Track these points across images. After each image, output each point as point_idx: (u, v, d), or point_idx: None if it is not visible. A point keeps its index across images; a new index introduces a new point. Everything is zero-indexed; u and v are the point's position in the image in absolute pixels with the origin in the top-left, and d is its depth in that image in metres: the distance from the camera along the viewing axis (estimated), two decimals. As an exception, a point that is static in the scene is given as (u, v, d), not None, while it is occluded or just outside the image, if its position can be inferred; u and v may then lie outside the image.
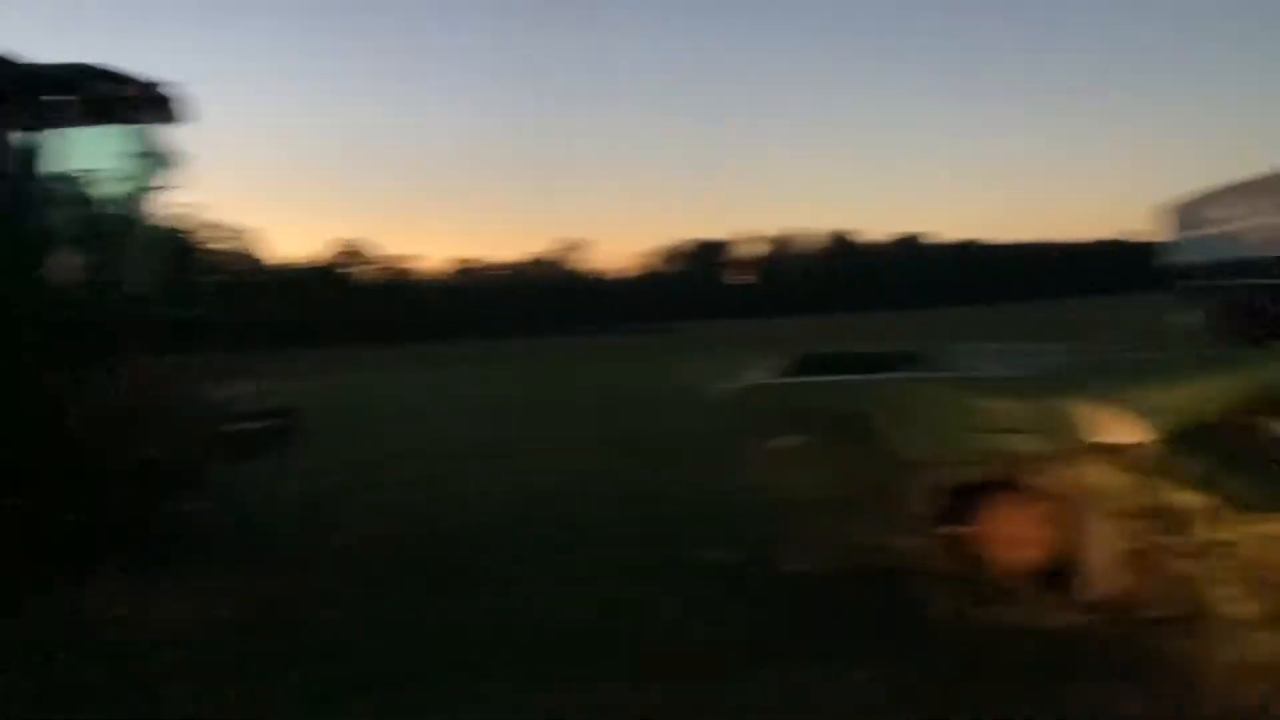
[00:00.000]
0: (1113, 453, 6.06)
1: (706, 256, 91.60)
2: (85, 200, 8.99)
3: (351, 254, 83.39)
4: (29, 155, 8.74)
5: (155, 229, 9.34)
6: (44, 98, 8.80)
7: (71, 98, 8.62)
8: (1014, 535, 6.43)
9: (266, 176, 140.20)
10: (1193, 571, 6.76)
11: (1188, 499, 8.68)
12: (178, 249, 9.96)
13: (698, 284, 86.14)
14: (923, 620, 6.17)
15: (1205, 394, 6.05)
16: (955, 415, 6.32)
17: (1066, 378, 6.35)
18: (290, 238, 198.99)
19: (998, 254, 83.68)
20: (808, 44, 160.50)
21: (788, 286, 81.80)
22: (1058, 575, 6.56)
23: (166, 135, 9.15)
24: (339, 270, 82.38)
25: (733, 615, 6.53)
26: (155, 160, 9.12)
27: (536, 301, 78.24)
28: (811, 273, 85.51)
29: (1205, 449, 10.33)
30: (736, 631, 6.26)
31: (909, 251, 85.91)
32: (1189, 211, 14.29)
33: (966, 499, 6.51)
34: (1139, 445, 5.89)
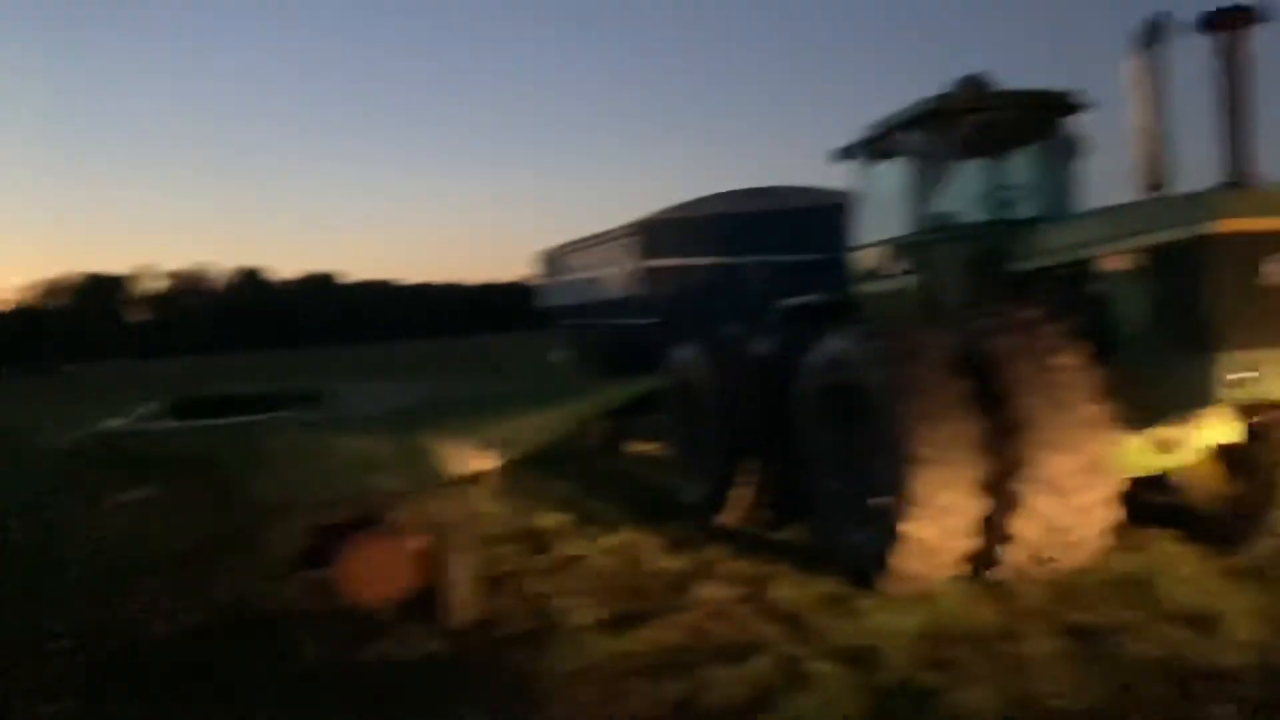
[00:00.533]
0: (467, 483, 6.34)
1: (100, 291, 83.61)
2: None
3: None
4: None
5: None
6: None
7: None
8: (380, 571, 6.50)
9: None
10: (547, 587, 7.32)
11: (545, 520, 9.49)
12: None
13: (89, 320, 78.11)
14: (291, 665, 6.01)
15: (548, 422, 6.57)
16: (314, 456, 6.25)
17: (422, 414, 6.55)
18: None
19: (406, 293, 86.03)
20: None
21: (193, 324, 77.10)
22: (427, 604, 6.74)
23: None
24: None
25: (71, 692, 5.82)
26: None
27: None
28: (219, 310, 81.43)
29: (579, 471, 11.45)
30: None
31: (320, 290, 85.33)
32: (555, 258, 15.78)
33: (331, 539, 6.46)
34: (491, 473, 6.23)
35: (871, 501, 6.80)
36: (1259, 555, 6.85)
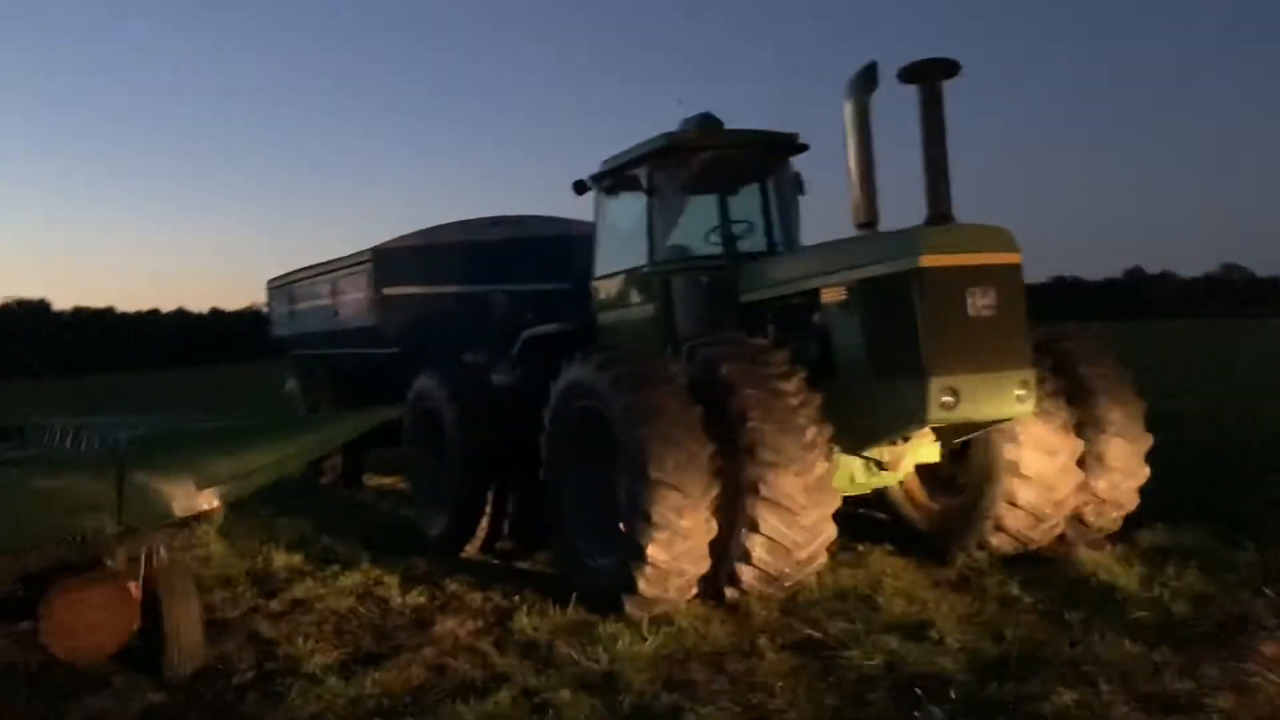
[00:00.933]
0: (190, 523, 5.94)
1: None
2: None
3: None
4: None
5: None
6: None
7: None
8: (92, 620, 5.98)
9: None
10: (279, 631, 6.97)
11: (276, 560, 9.05)
12: None
13: None
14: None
15: (280, 456, 6.24)
16: (10, 496, 5.68)
17: (140, 448, 6.08)
18: None
19: (129, 321, 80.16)
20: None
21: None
22: (147, 655, 6.26)
23: None
24: None
25: None
26: None
27: None
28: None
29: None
30: None
31: (31, 316, 78.19)
32: (286, 286, 15.17)
33: (36, 587, 5.90)
34: (216, 512, 5.85)
35: (614, 527, 6.90)
36: (964, 566, 7.41)
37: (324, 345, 14.05)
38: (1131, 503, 7.74)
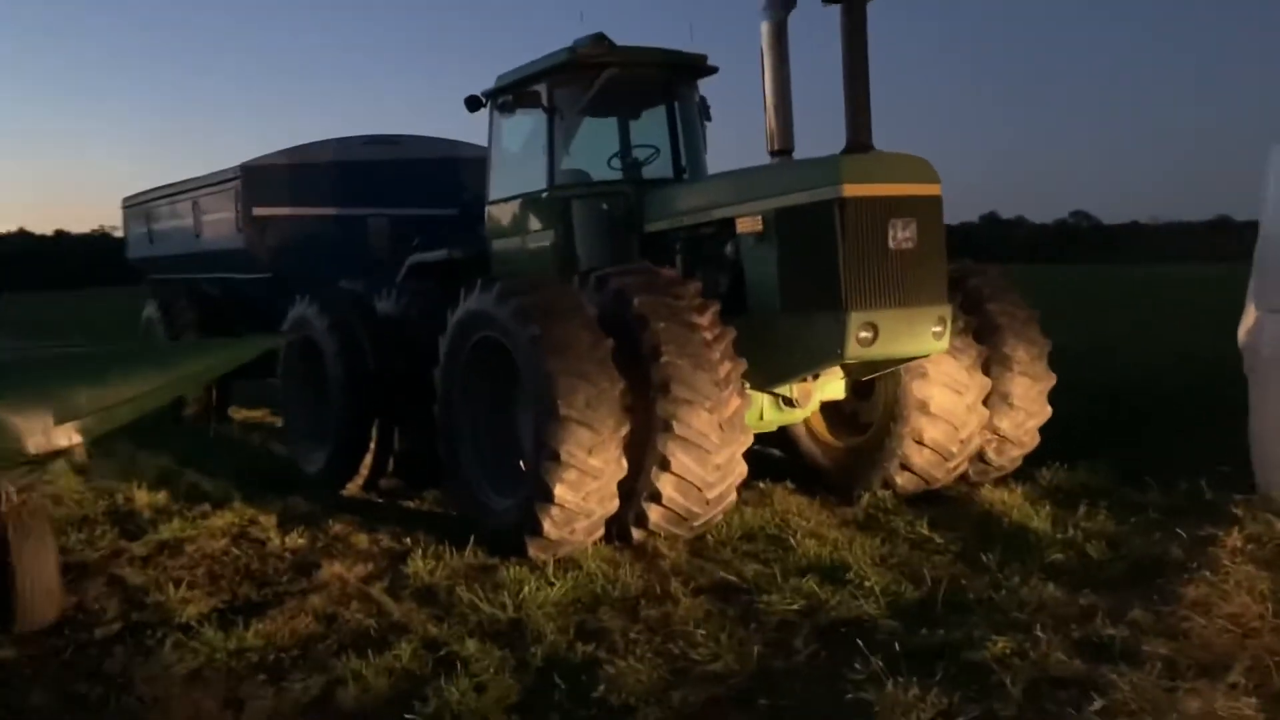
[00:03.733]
0: (42, 461, 5.31)
1: None
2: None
3: None
4: None
5: None
6: None
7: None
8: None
9: None
10: (146, 576, 6.40)
11: (139, 498, 8.37)
12: None
13: None
14: None
15: (147, 389, 5.62)
16: None
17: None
18: None
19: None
20: None
21: None
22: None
23: None
24: None
25: None
26: None
27: None
28: None
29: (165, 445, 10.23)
30: None
31: None
32: (144, 206, 14.14)
33: None
34: (71, 449, 5.24)
35: (519, 466, 6.52)
36: (870, 505, 7.28)
37: (186, 269, 13.15)
38: (1033, 442, 7.72)
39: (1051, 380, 7.69)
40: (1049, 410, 7.70)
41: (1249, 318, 7.04)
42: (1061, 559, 5.90)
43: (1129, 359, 13.87)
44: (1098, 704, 3.91)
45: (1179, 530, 6.07)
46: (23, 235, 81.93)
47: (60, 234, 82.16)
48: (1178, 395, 10.84)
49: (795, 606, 5.36)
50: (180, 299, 12.89)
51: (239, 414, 13.07)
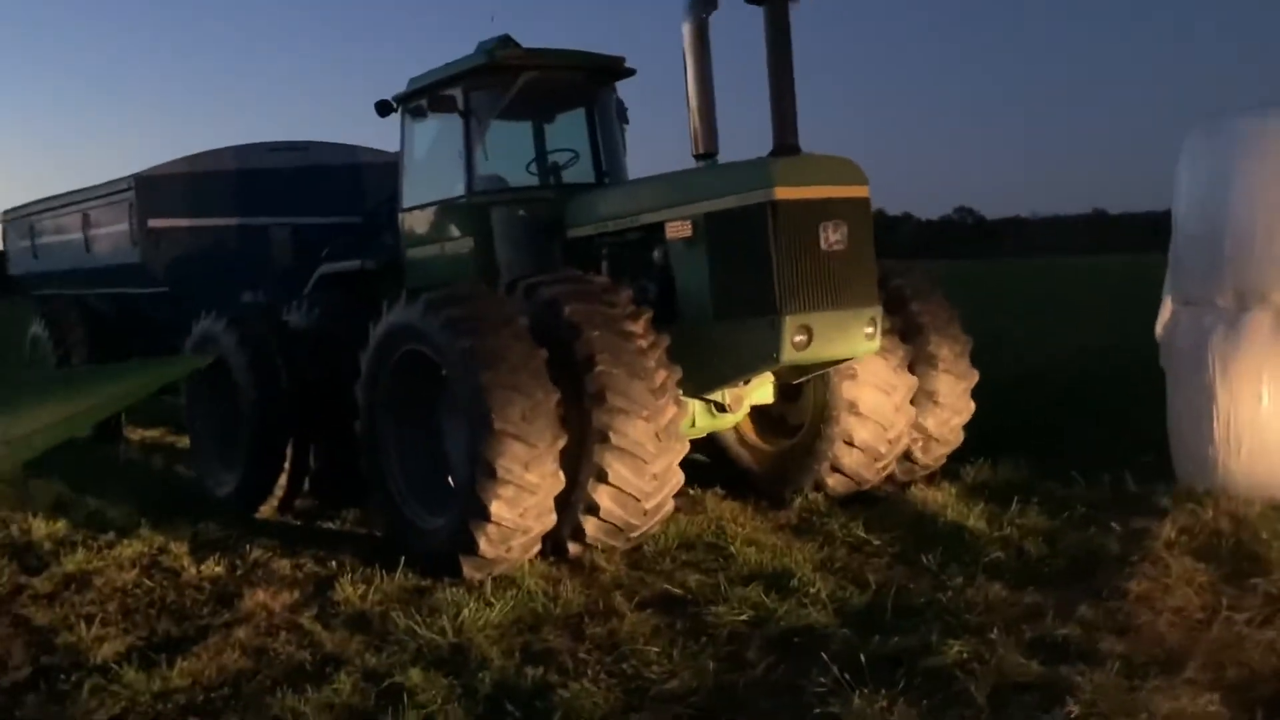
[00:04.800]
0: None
1: None
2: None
3: None
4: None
5: None
6: None
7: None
8: None
9: None
10: (52, 615, 6.00)
11: (37, 529, 7.88)
12: None
13: None
14: None
15: (54, 419, 5.27)
16: None
17: None
18: None
19: None
20: None
21: None
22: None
23: None
24: None
25: None
26: None
27: None
28: None
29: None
30: None
31: None
32: (26, 218, 13.42)
33: None
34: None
35: (448, 484, 6.32)
36: (803, 508, 7.25)
37: (75, 285, 12.53)
38: (958, 439, 7.79)
39: (975, 377, 7.78)
40: (972, 407, 7.78)
41: (1165, 311, 7.21)
42: (1001, 557, 5.94)
43: (1030, 352, 14.18)
44: (1069, 707, 3.90)
45: (1113, 524, 6.16)
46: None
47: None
48: (1084, 387, 11.10)
49: (744, 617, 5.28)
50: (69, 316, 12.28)
51: (136, 434, 12.49)
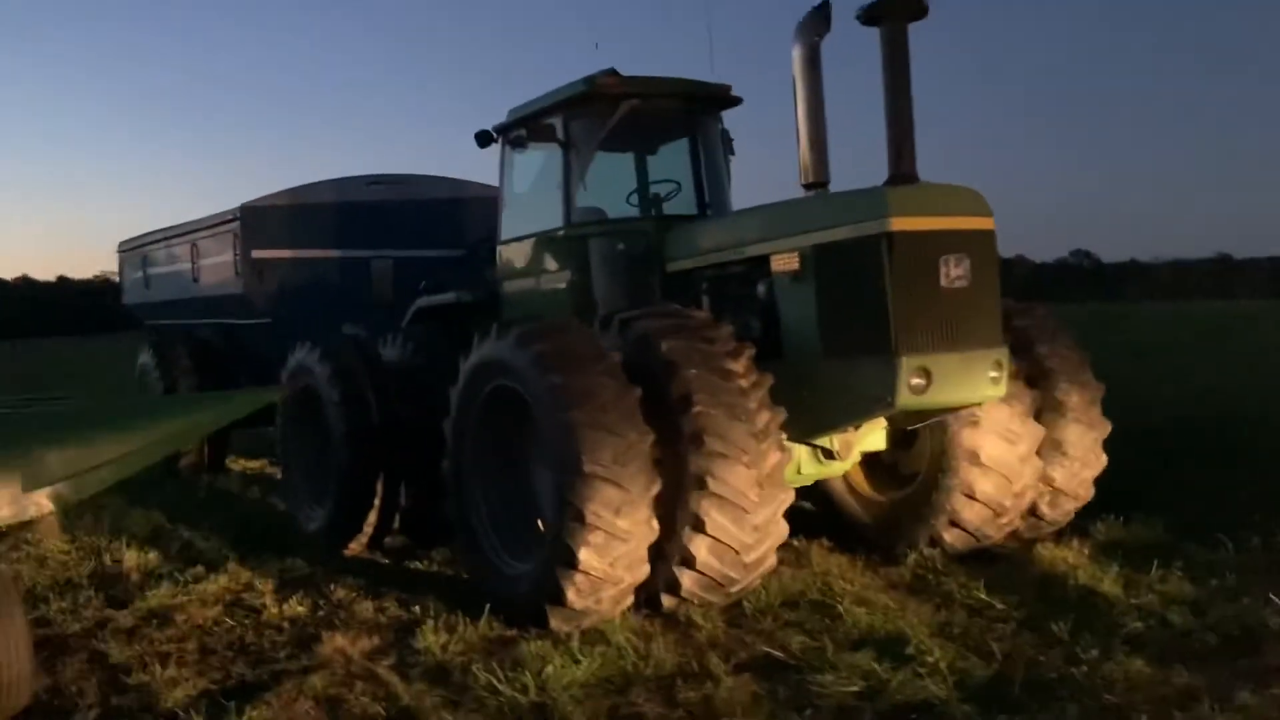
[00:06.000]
0: (8, 533, 4.79)
1: None
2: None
3: None
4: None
5: None
6: None
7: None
8: None
9: None
10: (130, 651, 5.83)
11: (126, 561, 7.79)
12: None
13: None
14: None
15: (135, 447, 5.10)
16: None
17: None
18: None
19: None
20: None
21: None
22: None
23: None
24: None
25: None
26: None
27: None
28: None
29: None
30: None
31: None
32: (140, 249, 13.70)
33: None
34: (41, 519, 4.71)
35: (537, 528, 5.98)
36: (917, 565, 6.72)
37: (183, 315, 12.68)
38: (1088, 494, 7.17)
39: (1107, 428, 7.16)
40: (1104, 459, 7.16)
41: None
42: (1141, 629, 5.32)
43: (1159, 400, 13.31)
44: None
45: (1271, 596, 5.49)
46: (26, 282, 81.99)
47: (62, 280, 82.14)
48: (1217, 438, 10.26)
49: (853, 688, 4.79)
50: (176, 346, 12.40)
51: (237, 464, 12.53)
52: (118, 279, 15.44)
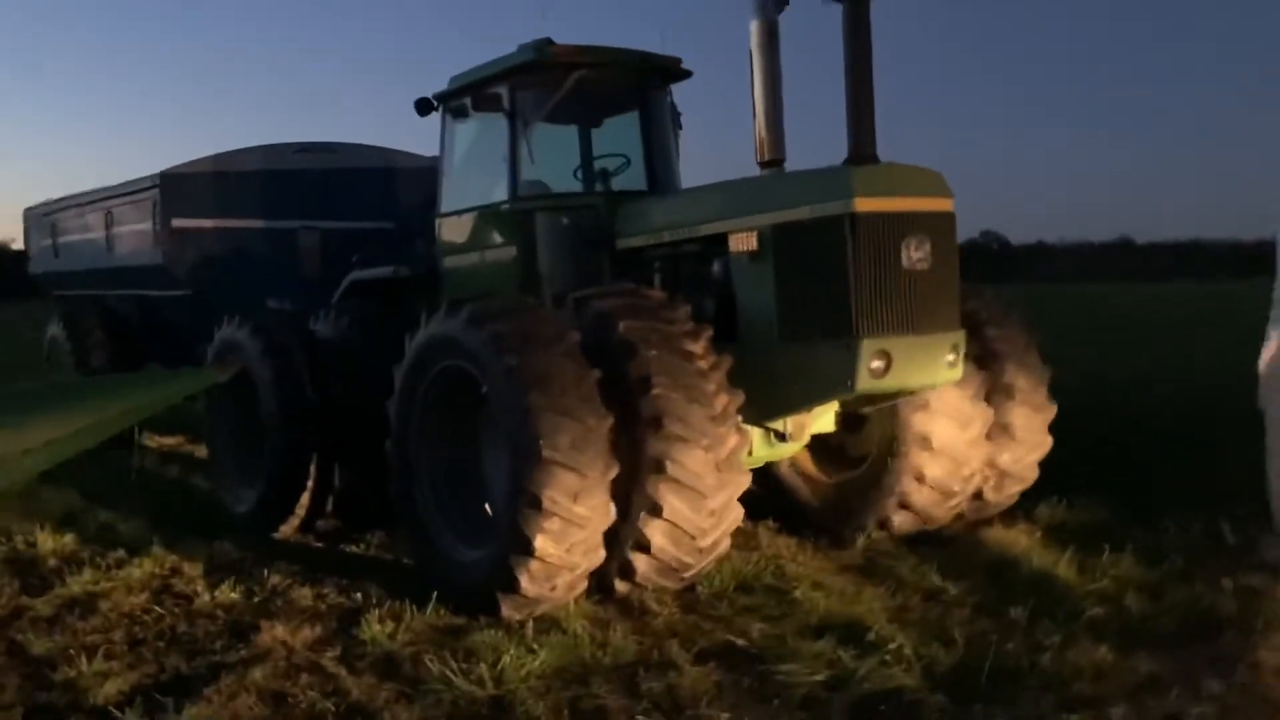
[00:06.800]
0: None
1: None
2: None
3: None
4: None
5: None
6: None
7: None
8: None
9: None
10: (51, 642, 5.50)
11: (43, 544, 7.39)
12: None
13: None
14: None
15: (62, 435, 4.77)
16: None
17: None
18: None
19: None
20: None
21: None
22: None
23: None
24: None
25: None
26: None
27: None
28: None
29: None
30: None
31: None
32: (49, 216, 13.04)
33: None
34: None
35: (486, 512, 5.78)
36: (867, 548, 6.69)
37: (96, 285, 12.11)
38: (1033, 476, 7.20)
39: (1053, 411, 7.19)
40: (1050, 442, 7.19)
41: (1271, 345, 6.59)
42: (1100, 614, 5.32)
43: (1083, 380, 13.53)
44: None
45: (1223, 581, 5.56)
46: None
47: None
48: (1157, 420, 10.47)
49: (819, 677, 4.70)
50: (89, 318, 11.87)
51: (153, 441, 12.01)
52: (20, 245, 14.74)
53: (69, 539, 7.50)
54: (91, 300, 12.17)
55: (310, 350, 7.80)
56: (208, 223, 10.56)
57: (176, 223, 10.40)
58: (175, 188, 10.43)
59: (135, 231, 10.93)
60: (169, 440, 12.06)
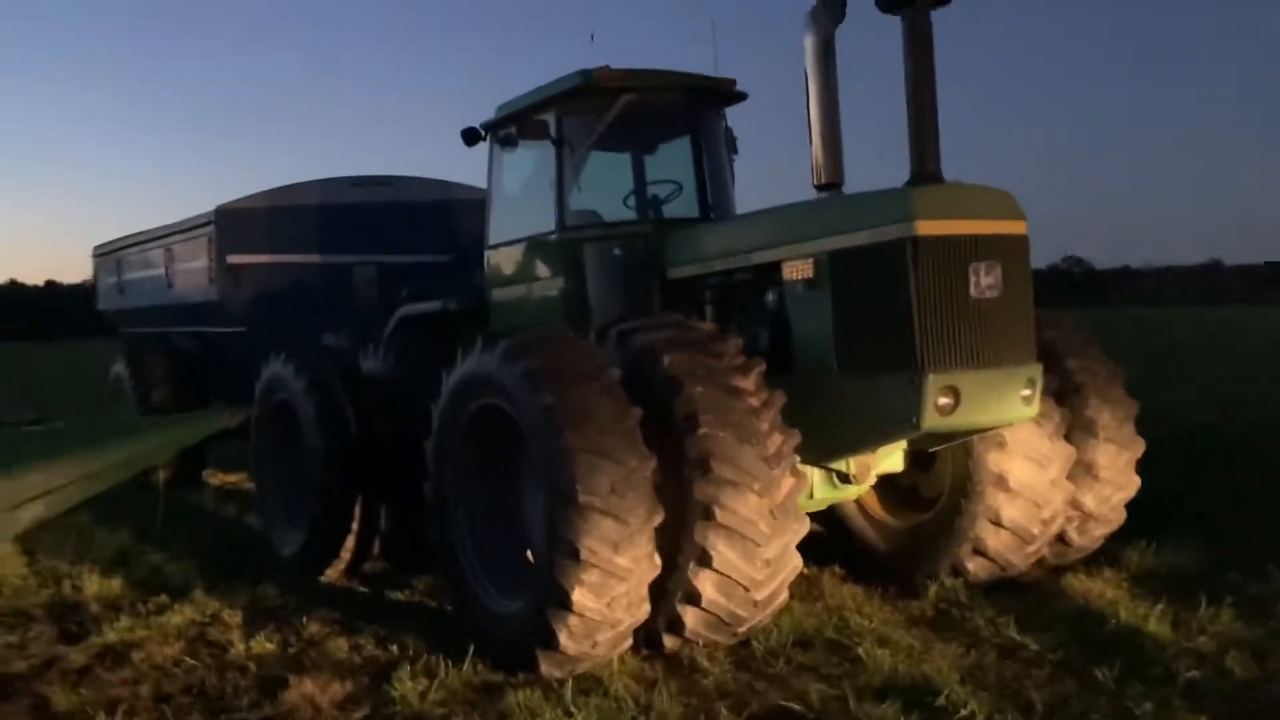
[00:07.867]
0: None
1: None
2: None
3: None
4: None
5: None
6: None
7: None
8: None
9: None
10: (80, 695, 5.29)
11: (86, 588, 7.24)
12: None
13: None
14: None
15: (101, 467, 4.59)
16: None
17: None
18: None
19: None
20: None
21: None
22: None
23: None
24: None
25: None
26: None
27: None
28: None
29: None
30: None
31: None
32: (115, 254, 13.15)
33: None
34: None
35: (526, 559, 5.45)
36: (938, 597, 6.21)
37: (158, 322, 12.15)
38: (1119, 519, 6.68)
39: (1141, 447, 6.66)
40: (1137, 482, 6.66)
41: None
42: (1198, 677, 4.80)
43: (1174, 411, 12.79)
44: None
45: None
46: (14, 286, 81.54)
47: (51, 284, 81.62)
48: (1247, 450, 9.75)
49: (881, 747, 4.26)
50: (151, 355, 11.86)
51: (215, 478, 11.95)
52: (94, 284, 14.90)
53: (114, 583, 7.35)
54: (155, 337, 12.20)
55: (356, 386, 7.59)
56: (263, 258, 10.49)
57: (232, 259, 10.35)
58: (231, 223, 10.38)
59: (192, 268, 10.91)
60: (231, 477, 11.99)
